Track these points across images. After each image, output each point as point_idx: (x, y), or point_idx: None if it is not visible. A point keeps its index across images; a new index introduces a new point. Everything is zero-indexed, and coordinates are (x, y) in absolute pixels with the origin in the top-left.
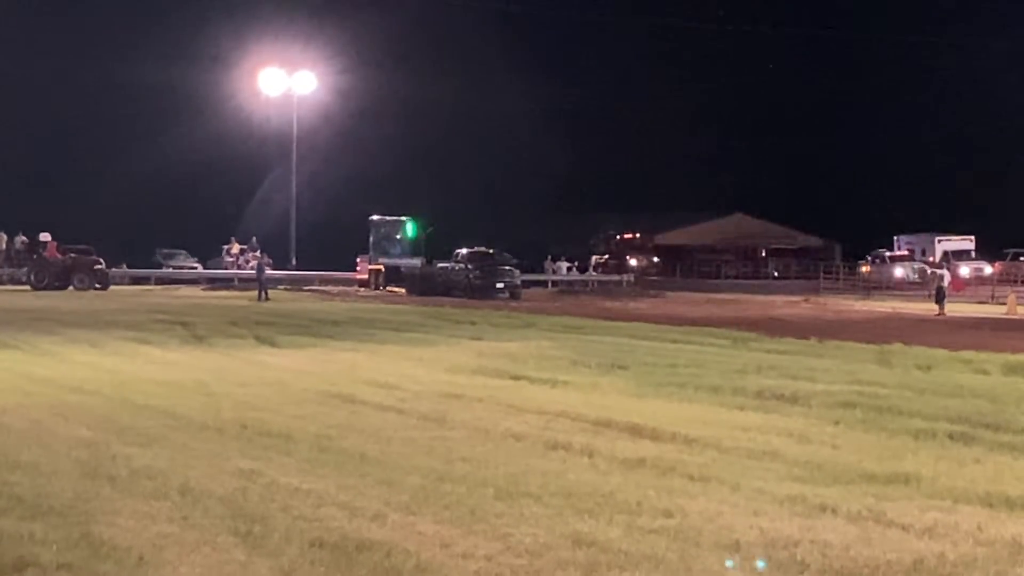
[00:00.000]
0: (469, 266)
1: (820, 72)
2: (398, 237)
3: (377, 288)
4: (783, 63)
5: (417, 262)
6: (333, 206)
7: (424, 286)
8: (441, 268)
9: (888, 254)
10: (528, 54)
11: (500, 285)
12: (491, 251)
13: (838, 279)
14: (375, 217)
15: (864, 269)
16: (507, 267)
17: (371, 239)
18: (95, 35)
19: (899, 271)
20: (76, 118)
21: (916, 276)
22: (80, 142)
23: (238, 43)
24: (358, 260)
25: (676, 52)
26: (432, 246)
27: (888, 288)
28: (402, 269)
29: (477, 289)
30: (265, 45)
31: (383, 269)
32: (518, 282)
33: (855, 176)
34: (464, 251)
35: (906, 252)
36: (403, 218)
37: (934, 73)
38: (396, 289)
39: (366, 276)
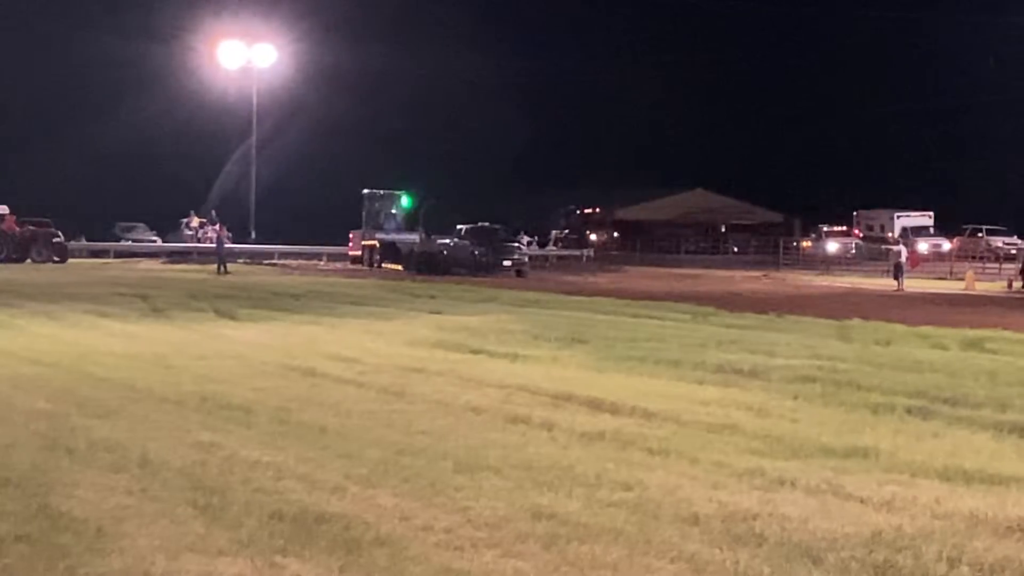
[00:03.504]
0: (473, 242)
1: (781, 47)
2: (393, 211)
3: (371, 265)
4: (746, 38)
5: (414, 237)
6: (293, 179)
7: (423, 263)
8: (441, 244)
9: (826, 229)
10: (489, 26)
11: (507, 263)
12: (496, 227)
13: (797, 254)
14: (367, 190)
15: (805, 244)
16: (513, 244)
17: (364, 213)
18: (52, 7)
19: (832, 246)
20: (34, 90)
21: (851, 251)
22: (38, 114)
23: (197, 15)
24: (351, 235)
25: (638, 27)
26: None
27: (824, 263)
28: (398, 245)
29: (482, 267)
30: (224, 17)
31: (378, 245)
32: (525, 259)
33: (816, 151)
34: (466, 226)
35: (844, 228)
36: (398, 191)
37: (894, 49)
38: (392, 266)
39: (359, 252)
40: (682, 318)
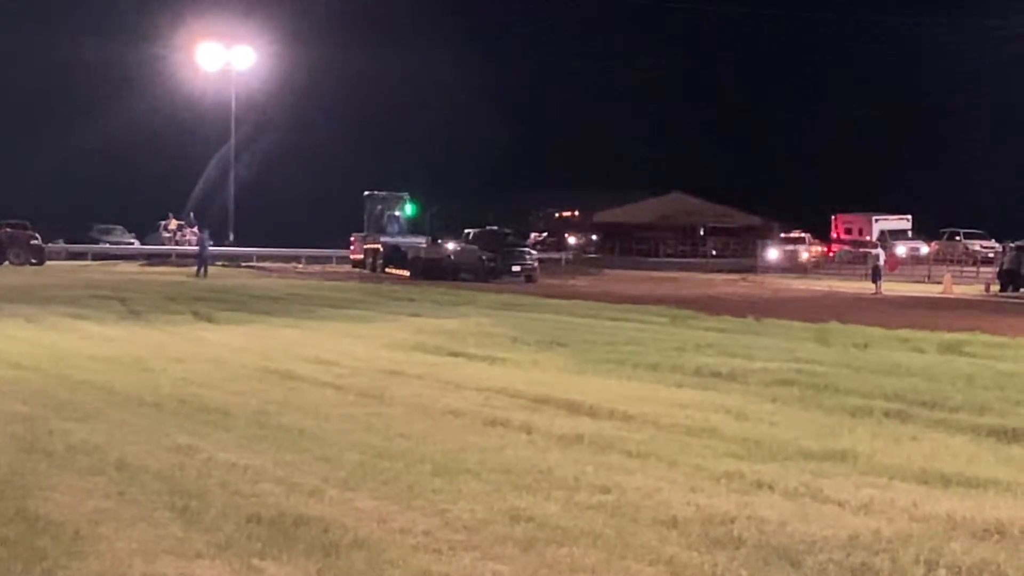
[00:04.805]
0: (481, 247)
1: (760, 50)
2: (396, 213)
3: (374, 270)
4: (723, 41)
5: (421, 241)
6: (272, 182)
7: (430, 268)
8: (448, 249)
9: (784, 235)
10: (468, 29)
11: (516, 268)
12: (507, 231)
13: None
14: (368, 192)
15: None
16: (523, 248)
17: (365, 216)
18: (31, 8)
19: (772, 253)
20: (12, 92)
21: (787, 259)
22: (16, 117)
23: (176, 17)
24: (352, 238)
25: (615, 30)
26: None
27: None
28: (402, 248)
29: (491, 272)
30: (203, 19)
31: (381, 249)
32: (535, 265)
33: (794, 154)
34: (474, 230)
35: (798, 234)
36: (402, 193)
37: (873, 53)
38: (397, 271)
39: (361, 256)
40: (661, 321)
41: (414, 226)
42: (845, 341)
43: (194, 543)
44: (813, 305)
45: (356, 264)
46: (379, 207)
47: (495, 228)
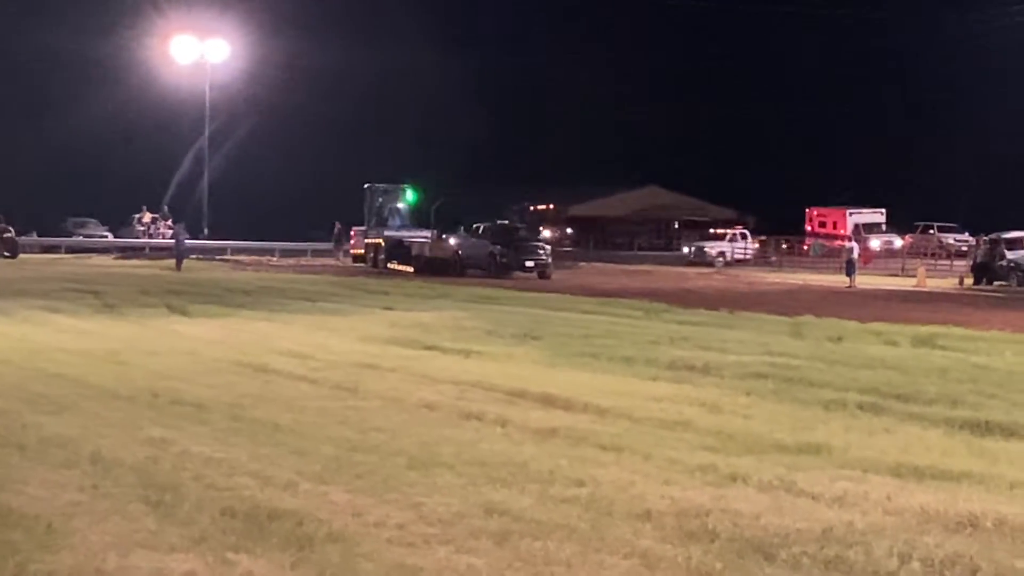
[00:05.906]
0: (492, 242)
1: (734, 43)
2: (399, 206)
3: (376, 265)
4: (697, 34)
5: (425, 235)
6: (246, 175)
7: (434, 264)
8: (456, 243)
9: (713, 230)
10: (443, 22)
11: (529, 264)
12: (519, 226)
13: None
14: (368, 184)
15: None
16: (536, 243)
17: (366, 209)
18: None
19: (684, 248)
20: None
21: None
22: None
23: (149, 9)
24: (352, 232)
25: (590, 23)
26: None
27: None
28: (406, 243)
29: (502, 268)
30: (177, 12)
31: (382, 243)
32: (548, 260)
33: (770, 148)
34: (484, 224)
35: (731, 231)
36: (403, 185)
37: (848, 47)
38: (400, 267)
39: (362, 251)
40: (635, 315)
41: (417, 220)
42: (819, 334)
43: (168, 536)
44: (787, 298)
45: (357, 259)
46: (380, 200)
47: (506, 222)
